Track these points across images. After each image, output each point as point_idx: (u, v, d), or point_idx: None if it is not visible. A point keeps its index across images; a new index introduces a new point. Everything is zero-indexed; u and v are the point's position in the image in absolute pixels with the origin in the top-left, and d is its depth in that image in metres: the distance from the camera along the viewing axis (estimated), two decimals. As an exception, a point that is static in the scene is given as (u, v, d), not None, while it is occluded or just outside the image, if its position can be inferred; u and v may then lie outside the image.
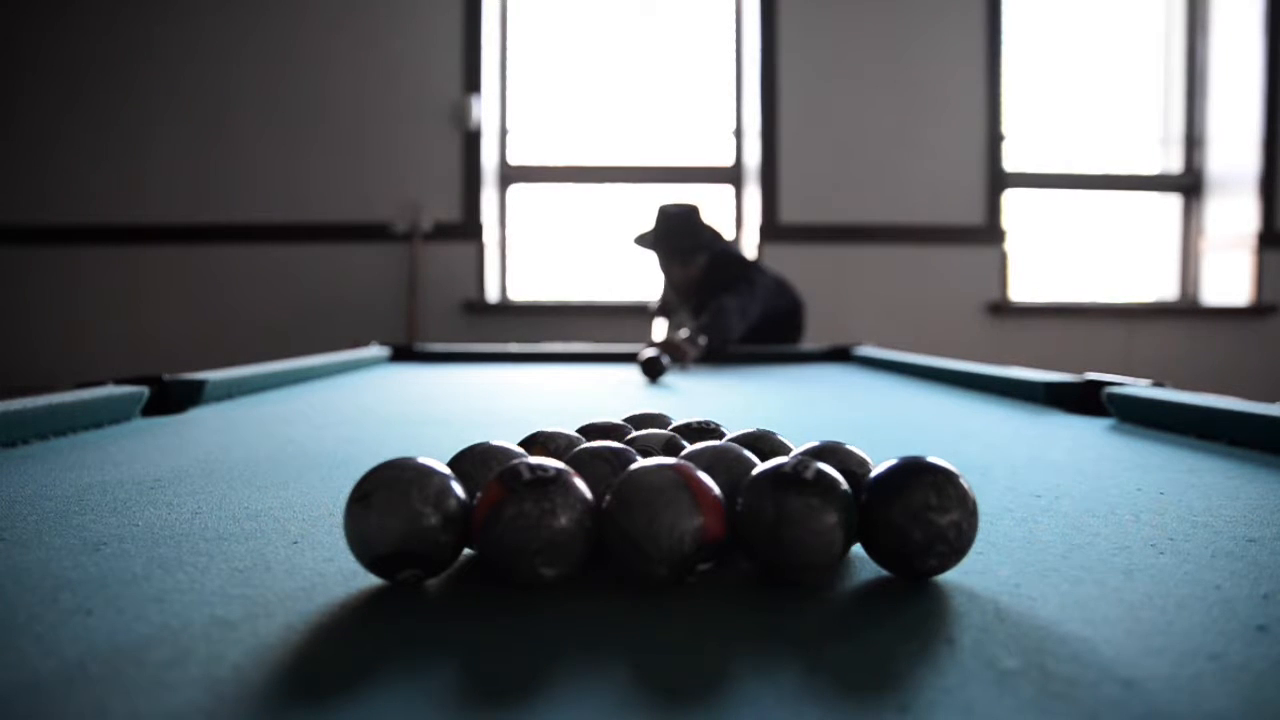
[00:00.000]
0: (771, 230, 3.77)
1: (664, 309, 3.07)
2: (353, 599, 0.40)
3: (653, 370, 1.85)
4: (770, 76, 3.75)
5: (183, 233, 3.70)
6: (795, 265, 3.51)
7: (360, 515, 0.40)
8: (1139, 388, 1.12)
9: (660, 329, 2.98)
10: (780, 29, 3.75)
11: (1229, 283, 3.91)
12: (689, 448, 0.51)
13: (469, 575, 0.44)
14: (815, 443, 0.50)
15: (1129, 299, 4.03)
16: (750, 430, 0.56)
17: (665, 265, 2.82)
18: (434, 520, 0.40)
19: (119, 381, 1.15)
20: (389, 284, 3.70)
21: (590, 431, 0.60)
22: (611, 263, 4.03)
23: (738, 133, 4.01)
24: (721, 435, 0.59)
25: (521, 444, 0.55)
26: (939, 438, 1.00)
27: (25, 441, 0.87)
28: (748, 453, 0.48)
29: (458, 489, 0.42)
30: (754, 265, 2.84)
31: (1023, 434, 1.01)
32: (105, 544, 0.50)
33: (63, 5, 3.65)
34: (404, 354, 2.53)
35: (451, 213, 3.71)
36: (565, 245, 4.07)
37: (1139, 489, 0.68)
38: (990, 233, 3.82)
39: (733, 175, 4.02)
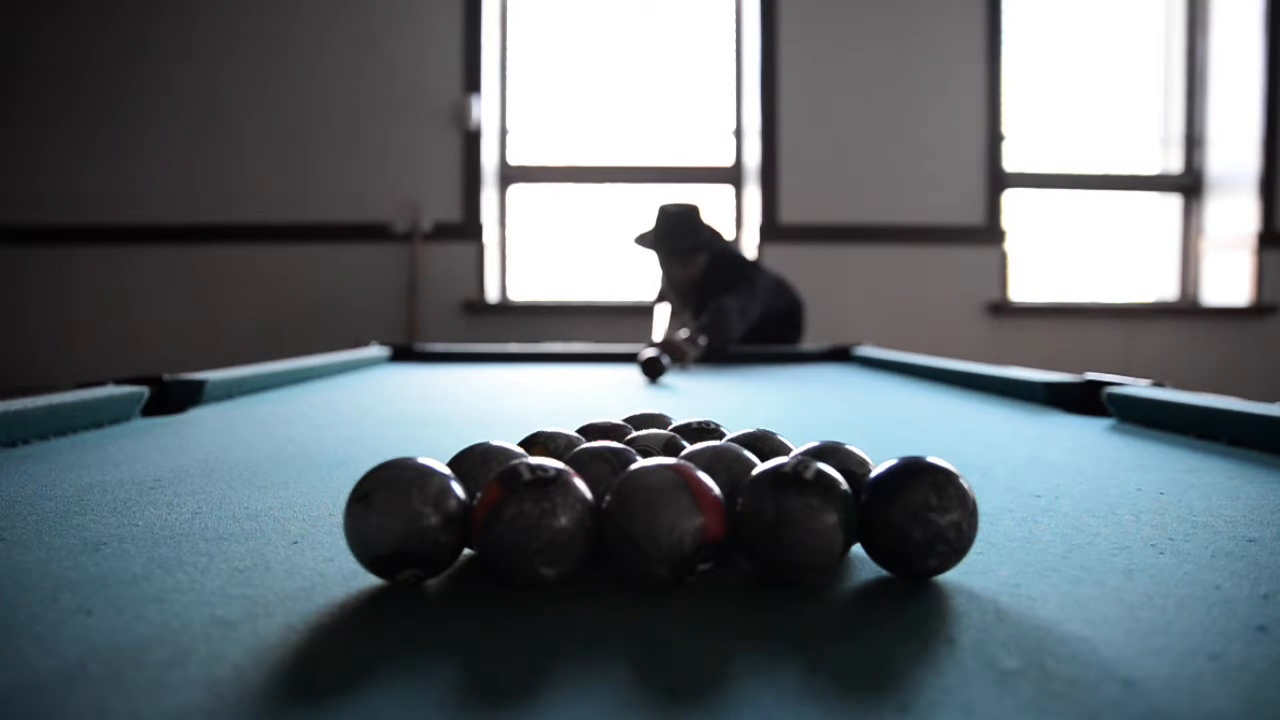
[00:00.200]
0: (771, 230, 3.76)
1: (665, 295, 3.04)
2: (353, 599, 0.40)
3: (653, 370, 1.85)
4: (770, 76, 3.75)
5: (180, 233, 3.69)
6: (795, 265, 3.51)
7: (360, 515, 0.40)
8: (1139, 388, 1.12)
9: (663, 315, 2.97)
10: (780, 29, 3.75)
11: (1229, 283, 3.91)
12: (689, 448, 0.51)
13: (469, 575, 0.44)
14: (815, 443, 0.50)
15: (1129, 299, 4.03)
16: (750, 430, 0.56)
17: (665, 265, 2.82)
18: (434, 520, 0.40)
19: (119, 382, 1.16)
20: (389, 284, 3.70)
21: (590, 432, 0.60)
22: (611, 263, 4.03)
23: (738, 133, 4.01)
24: (721, 435, 0.59)
25: (521, 444, 0.55)
26: (939, 438, 1.00)
27: (25, 441, 0.87)
28: (748, 453, 0.48)
29: (458, 489, 0.42)
30: (754, 265, 2.84)
31: (1023, 434, 1.01)
32: (105, 544, 0.50)
33: (59, 4, 3.64)
34: (404, 354, 2.53)
35: (451, 213, 3.71)
36: (565, 245, 4.07)
37: (1139, 489, 0.68)
38: (990, 233, 3.82)
39: (733, 175, 4.02)
